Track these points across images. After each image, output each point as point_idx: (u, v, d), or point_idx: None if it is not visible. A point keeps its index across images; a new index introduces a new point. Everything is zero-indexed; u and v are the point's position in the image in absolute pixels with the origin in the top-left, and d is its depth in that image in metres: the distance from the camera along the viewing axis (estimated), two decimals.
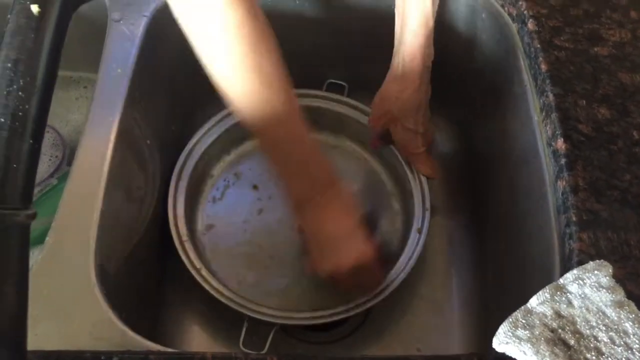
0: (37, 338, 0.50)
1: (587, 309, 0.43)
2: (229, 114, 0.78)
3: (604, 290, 0.44)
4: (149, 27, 0.71)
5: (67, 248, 0.56)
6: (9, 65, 0.34)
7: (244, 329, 0.67)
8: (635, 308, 0.43)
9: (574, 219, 0.53)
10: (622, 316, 0.42)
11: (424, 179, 0.77)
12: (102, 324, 0.52)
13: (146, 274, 0.72)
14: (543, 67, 0.64)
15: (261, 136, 0.61)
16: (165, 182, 0.74)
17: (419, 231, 0.73)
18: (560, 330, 0.43)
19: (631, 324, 0.42)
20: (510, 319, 0.44)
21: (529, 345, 0.42)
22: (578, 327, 0.43)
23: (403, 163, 0.79)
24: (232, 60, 0.55)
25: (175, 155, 0.76)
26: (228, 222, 0.79)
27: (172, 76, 0.79)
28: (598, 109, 0.60)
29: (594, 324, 0.43)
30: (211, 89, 0.56)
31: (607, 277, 0.45)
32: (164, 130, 0.75)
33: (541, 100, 0.64)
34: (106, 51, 0.69)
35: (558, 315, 0.43)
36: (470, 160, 0.88)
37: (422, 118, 0.76)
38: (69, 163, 0.80)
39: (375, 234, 0.72)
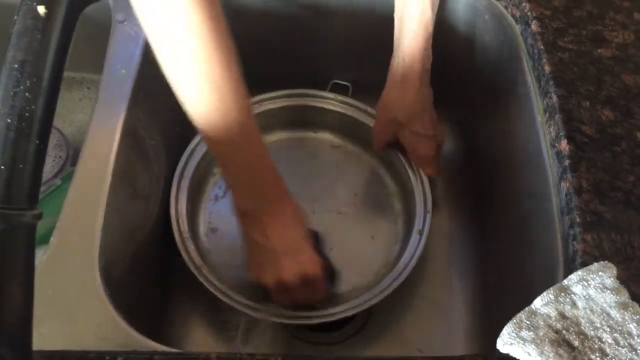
0: (42, 338, 0.50)
1: (592, 310, 0.43)
2: None
3: (608, 291, 0.44)
4: None
5: (72, 248, 0.56)
6: (16, 66, 0.35)
7: (243, 328, 0.67)
8: (639, 309, 0.43)
9: (578, 220, 0.53)
10: (626, 317, 0.43)
11: (425, 180, 0.77)
12: (107, 324, 0.52)
13: (150, 274, 0.72)
14: (546, 68, 0.64)
15: (214, 148, 0.59)
16: (169, 182, 0.74)
17: (420, 233, 0.73)
18: (564, 332, 0.43)
19: (635, 325, 0.42)
20: (515, 320, 0.44)
21: (533, 346, 0.42)
22: (582, 328, 0.43)
23: (405, 164, 0.79)
24: (191, 67, 0.52)
25: (180, 156, 0.76)
26: (230, 220, 0.79)
27: None
28: (602, 111, 0.60)
29: (598, 325, 0.43)
30: None
31: (612, 279, 0.45)
32: (168, 131, 0.75)
33: (545, 102, 0.64)
34: (110, 52, 0.69)
35: (562, 316, 0.43)
36: (473, 161, 0.88)
37: (429, 120, 0.75)
38: (73, 163, 0.80)
39: (323, 252, 0.72)
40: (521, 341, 0.42)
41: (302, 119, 0.86)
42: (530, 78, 0.67)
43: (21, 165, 0.34)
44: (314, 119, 0.86)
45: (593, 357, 0.41)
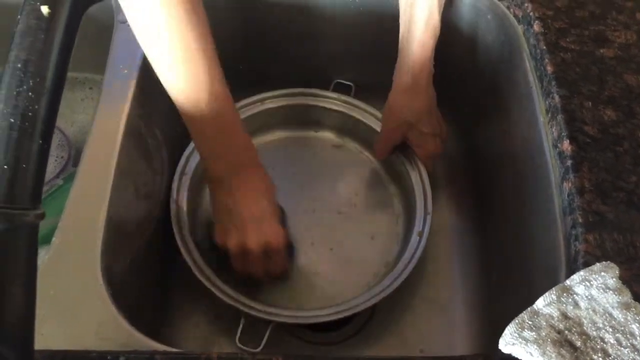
0: (44, 338, 0.50)
1: (594, 311, 0.43)
2: None
3: (611, 291, 0.44)
4: None
5: (74, 248, 0.56)
6: (19, 65, 0.35)
7: (241, 326, 0.67)
8: None
9: (580, 220, 0.53)
10: (628, 318, 0.43)
11: (426, 181, 0.77)
12: (108, 324, 0.52)
13: (152, 274, 0.72)
14: (549, 68, 0.64)
15: (187, 117, 0.61)
16: (170, 182, 0.74)
17: (420, 234, 0.73)
18: (566, 332, 0.43)
19: (638, 325, 0.42)
20: (517, 320, 0.44)
21: (535, 346, 0.42)
22: (585, 328, 0.43)
23: (405, 164, 0.79)
24: (164, 38, 0.55)
25: (181, 155, 0.76)
26: None
27: None
28: (604, 111, 0.60)
29: (601, 325, 0.43)
30: None
31: (614, 279, 0.45)
32: (170, 131, 0.75)
33: (547, 102, 0.64)
34: (112, 52, 0.69)
35: (565, 316, 0.43)
36: (474, 161, 0.88)
37: (435, 119, 0.77)
38: (75, 164, 0.80)
39: (286, 226, 0.74)
40: (523, 341, 0.42)
41: (303, 118, 0.86)
42: (532, 78, 0.67)
43: (24, 165, 0.34)
44: (315, 118, 0.86)
45: (595, 357, 0.41)
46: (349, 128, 0.86)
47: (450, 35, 0.79)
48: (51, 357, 0.47)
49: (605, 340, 0.42)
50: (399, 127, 0.77)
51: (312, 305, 0.73)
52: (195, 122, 0.61)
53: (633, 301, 0.44)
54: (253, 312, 0.66)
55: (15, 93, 0.34)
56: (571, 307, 0.44)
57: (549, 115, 0.63)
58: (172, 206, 0.72)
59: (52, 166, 0.80)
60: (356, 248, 0.78)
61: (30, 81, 0.35)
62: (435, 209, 0.76)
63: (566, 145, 0.58)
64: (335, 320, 0.68)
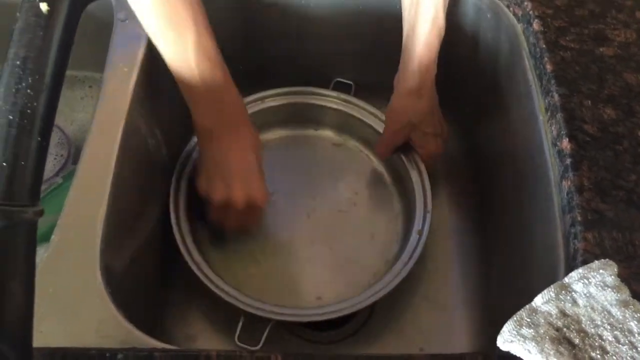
0: (43, 335, 0.50)
1: (592, 308, 0.43)
2: None
3: (609, 289, 0.44)
4: None
5: (73, 246, 0.56)
6: (18, 62, 0.35)
7: (240, 324, 0.67)
8: None
9: (579, 218, 0.53)
10: (627, 315, 0.43)
11: (426, 180, 0.77)
12: (108, 322, 0.52)
13: (151, 272, 0.72)
14: (548, 67, 0.64)
15: (178, 77, 0.63)
16: (170, 180, 0.74)
17: (419, 233, 0.73)
18: (565, 329, 0.43)
19: (636, 323, 0.42)
20: (515, 318, 0.44)
21: (533, 343, 0.42)
22: (583, 326, 0.43)
23: (405, 163, 0.79)
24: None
25: (181, 153, 0.76)
26: None
27: None
28: (603, 109, 0.60)
29: (599, 322, 0.43)
30: None
31: (612, 277, 0.45)
32: (170, 129, 0.75)
33: (546, 101, 0.64)
34: (112, 50, 0.69)
35: (563, 314, 0.43)
36: (474, 159, 0.88)
37: (438, 119, 0.77)
38: (74, 162, 0.80)
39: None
40: (522, 339, 0.42)
41: (303, 116, 0.86)
42: (531, 77, 0.67)
43: (23, 162, 0.34)
44: (315, 116, 0.86)
45: (593, 354, 0.41)
46: (349, 127, 0.86)
47: (455, 35, 0.79)
48: (50, 355, 0.47)
49: (604, 337, 0.42)
50: (403, 129, 0.76)
51: (311, 303, 0.73)
52: (186, 83, 0.62)
53: (631, 299, 0.44)
54: (252, 310, 0.66)
55: (14, 90, 0.34)
56: (569, 305, 0.44)
57: (549, 113, 0.63)
58: (172, 205, 0.72)
59: (52, 164, 0.80)
60: (356, 246, 0.78)
61: (29, 78, 0.35)
62: (434, 208, 0.76)
63: (565, 143, 0.58)
64: (334, 318, 0.68)
